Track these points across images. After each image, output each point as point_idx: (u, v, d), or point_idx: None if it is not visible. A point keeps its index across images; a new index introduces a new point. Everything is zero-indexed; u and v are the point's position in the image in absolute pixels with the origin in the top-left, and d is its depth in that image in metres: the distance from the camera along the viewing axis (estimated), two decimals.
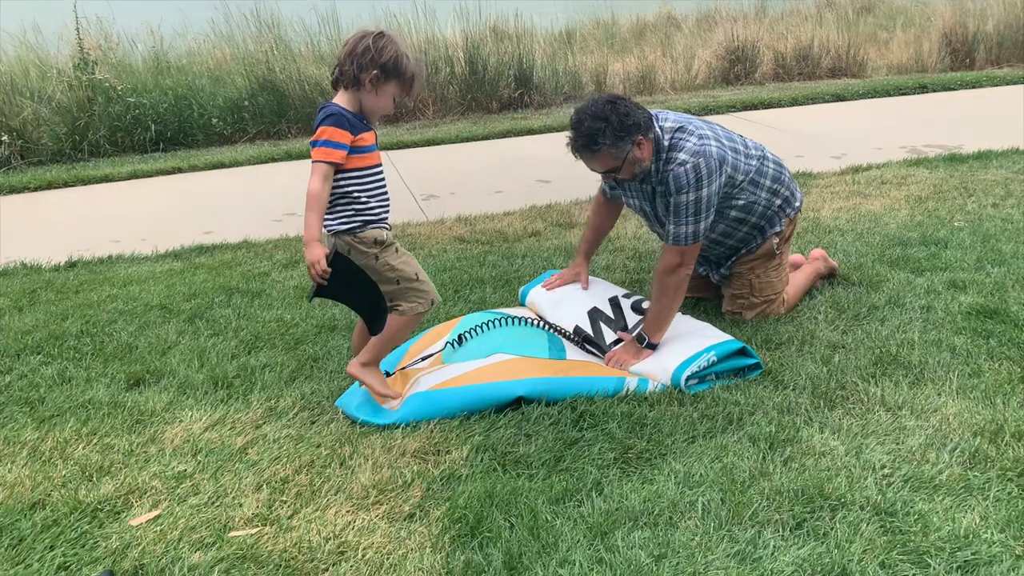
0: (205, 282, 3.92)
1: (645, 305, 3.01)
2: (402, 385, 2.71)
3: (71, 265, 4.38)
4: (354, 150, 2.41)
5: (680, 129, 2.84)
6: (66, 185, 6.33)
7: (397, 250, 2.54)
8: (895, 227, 4.08)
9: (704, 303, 3.34)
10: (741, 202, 2.97)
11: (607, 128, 2.69)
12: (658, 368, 2.69)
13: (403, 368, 2.84)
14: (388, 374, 2.77)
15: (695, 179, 2.76)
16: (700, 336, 2.78)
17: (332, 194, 2.42)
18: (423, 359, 2.87)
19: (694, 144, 2.78)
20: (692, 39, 10.17)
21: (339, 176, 2.42)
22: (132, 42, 8.65)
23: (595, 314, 3.05)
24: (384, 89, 2.43)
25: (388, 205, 2.54)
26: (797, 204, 3.15)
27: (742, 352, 2.71)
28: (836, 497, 2.01)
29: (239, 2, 8.47)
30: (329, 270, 2.36)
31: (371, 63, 2.38)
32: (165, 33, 8.79)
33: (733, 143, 2.94)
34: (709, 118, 7.81)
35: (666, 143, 2.82)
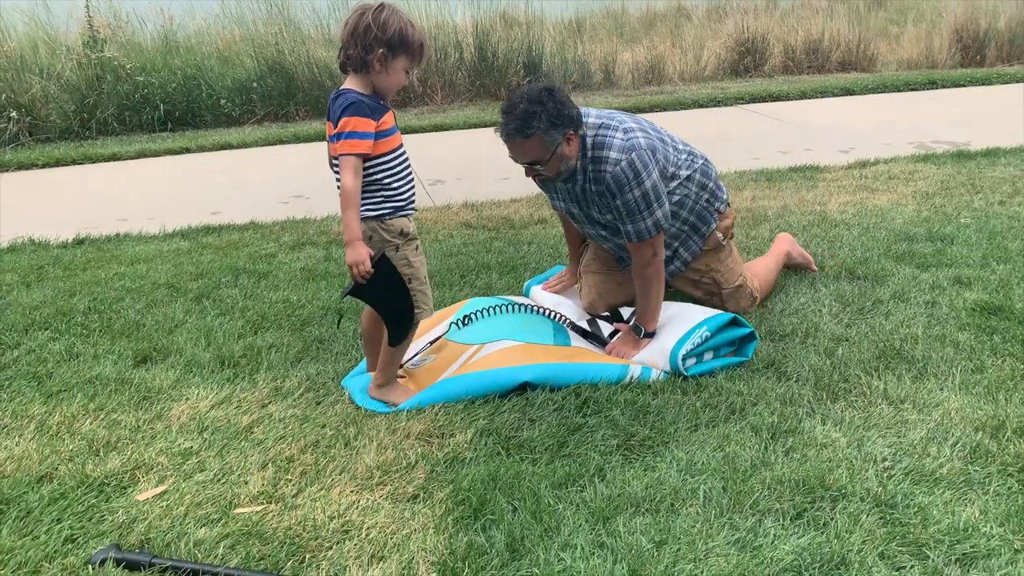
0: (212, 262, 3.94)
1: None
2: (416, 383, 2.69)
3: (79, 242, 4.40)
4: (378, 135, 2.35)
5: (603, 126, 2.74)
6: (74, 163, 6.34)
7: (417, 248, 2.50)
8: (901, 222, 4.08)
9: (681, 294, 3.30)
10: (676, 197, 2.89)
11: (543, 112, 2.58)
12: (656, 352, 2.72)
13: (408, 365, 2.80)
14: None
15: (634, 175, 2.67)
16: (692, 315, 2.81)
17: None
18: (430, 343, 2.88)
19: (621, 140, 2.70)
20: (702, 30, 10.13)
21: (366, 164, 2.35)
22: (142, 21, 8.64)
23: (591, 317, 3.11)
24: (394, 66, 2.35)
25: (414, 187, 2.49)
26: (724, 197, 3.05)
27: (734, 323, 2.73)
28: (837, 488, 2.02)
29: None
30: (372, 271, 2.32)
31: (376, 41, 2.30)
32: (175, 12, 8.78)
33: (659, 135, 2.86)
34: (718, 110, 7.79)
35: (590, 141, 2.72)
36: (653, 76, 8.99)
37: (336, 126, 2.32)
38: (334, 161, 2.38)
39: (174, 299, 3.48)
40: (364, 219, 2.40)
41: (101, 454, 2.31)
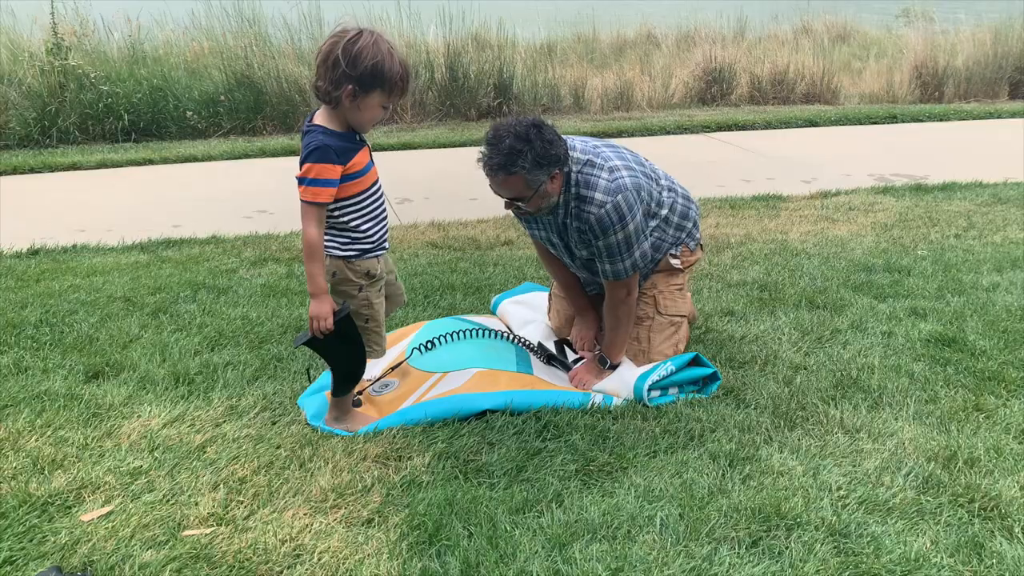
0: (171, 276, 3.87)
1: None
2: (377, 410, 2.64)
3: (33, 253, 4.30)
4: (347, 177, 2.21)
5: (588, 163, 2.65)
6: (32, 171, 6.21)
7: (381, 289, 2.43)
8: (860, 253, 4.16)
9: None
10: (653, 236, 2.84)
11: (529, 152, 2.47)
12: (619, 383, 2.73)
13: (370, 391, 2.77)
14: (359, 402, 2.66)
15: (618, 218, 2.61)
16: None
17: (327, 221, 2.27)
18: (392, 368, 2.85)
19: (606, 181, 2.61)
20: (671, 58, 10.28)
21: (333, 207, 2.24)
22: (108, 30, 8.53)
23: (562, 340, 3.10)
24: (367, 102, 2.17)
25: (386, 226, 2.39)
26: (698, 238, 2.99)
27: (696, 362, 2.75)
28: (792, 517, 2.03)
29: None
30: (332, 328, 2.27)
31: (344, 77, 2.11)
32: (143, 22, 8.67)
33: (643, 167, 2.80)
34: (684, 138, 7.86)
35: (575, 178, 2.63)
36: (622, 102, 9.09)
37: (300, 168, 2.19)
38: None
39: (130, 313, 3.41)
40: (330, 256, 2.31)
41: (46, 472, 2.24)
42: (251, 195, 5.58)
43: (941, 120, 8.45)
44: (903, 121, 8.37)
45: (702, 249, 3.09)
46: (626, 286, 2.75)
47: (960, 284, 3.65)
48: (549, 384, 2.76)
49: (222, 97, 7.66)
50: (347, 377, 2.47)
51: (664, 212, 2.85)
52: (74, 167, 6.31)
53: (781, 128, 8.07)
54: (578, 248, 2.77)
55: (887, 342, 3.08)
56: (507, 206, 2.67)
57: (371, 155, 2.32)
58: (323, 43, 2.18)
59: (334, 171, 2.17)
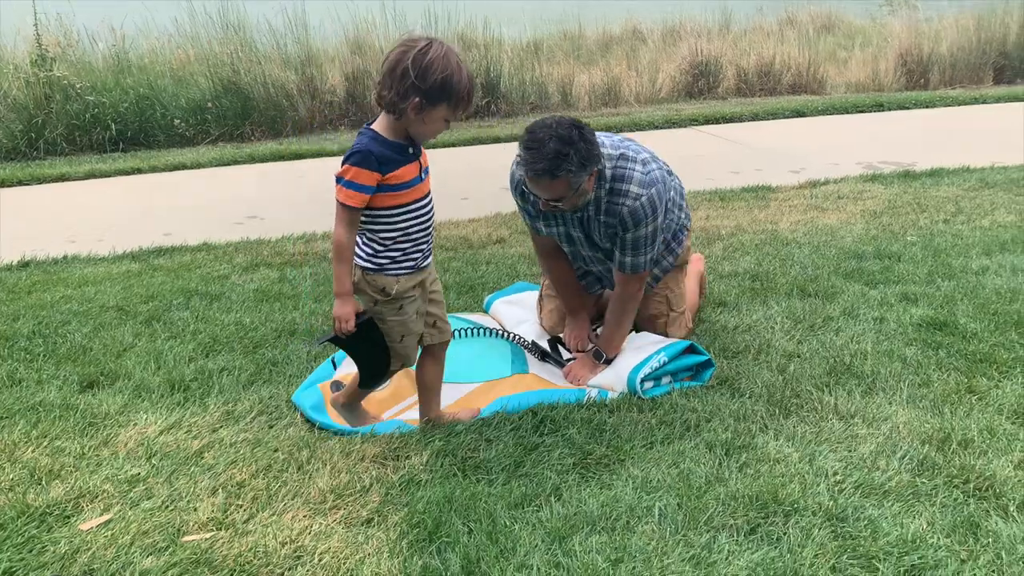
0: (163, 284, 3.86)
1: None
2: (371, 408, 2.65)
3: (24, 265, 4.28)
4: (387, 187, 2.14)
5: (622, 157, 2.70)
6: (20, 183, 6.18)
7: (401, 308, 2.30)
8: (851, 240, 4.18)
9: None
10: (671, 220, 2.95)
11: (574, 154, 2.48)
12: (613, 377, 2.74)
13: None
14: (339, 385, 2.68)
15: (652, 211, 2.68)
16: (649, 343, 2.86)
17: (360, 226, 2.23)
18: None
19: (641, 174, 2.68)
20: (657, 53, 10.30)
21: (366, 214, 2.18)
22: (93, 40, 8.50)
23: (554, 338, 3.09)
24: (432, 115, 2.12)
25: (424, 249, 2.29)
26: (689, 215, 3.11)
27: (691, 350, 2.76)
28: (789, 503, 2.04)
29: (204, 1, 8.37)
30: (354, 330, 2.24)
31: (412, 89, 2.06)
32: (127, 31, 8.64)
33: (657, 161, 2.85)
34: (672, 132, 7.88)
35: (609, 172, 2.68)
36: (610, 98, 9.11)
37: (341, 167, 2.15)
38: None
39: (123, 322, 3.40)
40: (355, 261, 2.26)
41: (43, 483, 2.23)
42: (241, 201, 5.57)
43: (927, 107, 8.49)
44: (889, 109, 8.40)
45: (689, 229, 3.14)
46: (640, 280, 2.82)
47: (950, 268, 3.68)
48: (544, 383, 2.77)
49: (209, 104, 7.65)
50: (372, 376, 2.43)
51: (673, 195, 2.94)
52: (62, 178, 6.29)
53: (768, 119, 8.10)
54: (603, 240, 2.81)
55: (879, 328, 3.10)
56: (543, 206, 2.67)
57: (423, 171, 2.23)
58: (390, 51, 2.13)
59: (371, 177, 2.12)
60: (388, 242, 2.24)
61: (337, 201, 2.14)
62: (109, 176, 6.39)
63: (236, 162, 6.74)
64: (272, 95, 7.80)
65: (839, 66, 10.32)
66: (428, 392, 2.51)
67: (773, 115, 8.19)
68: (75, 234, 4.85)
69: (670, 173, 2.96)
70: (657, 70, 9.61)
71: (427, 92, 2.07)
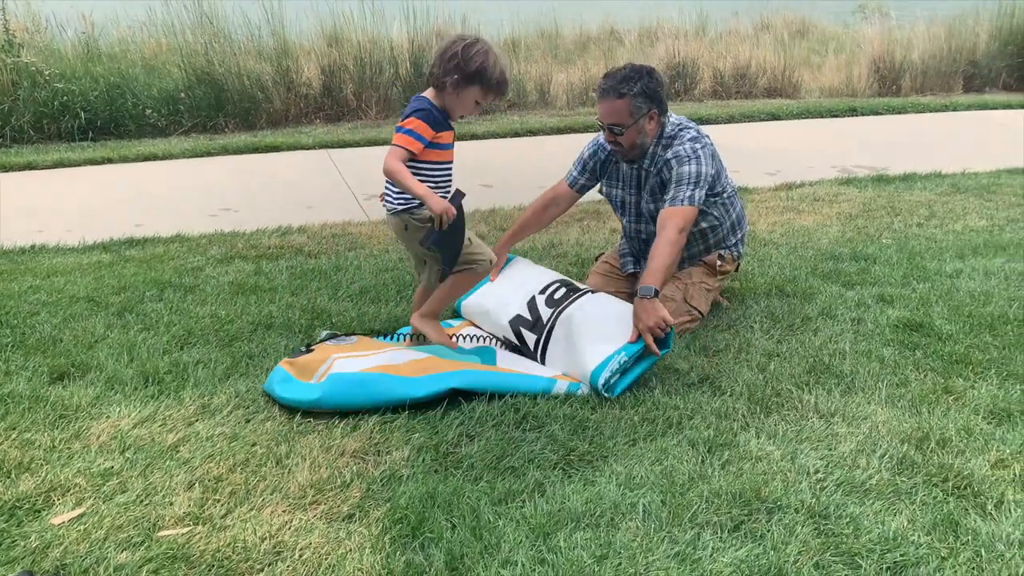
0: (135, 275, 3.78)
1: (557, 295, 2.96)
2: (318, 359, 2.72)
3: None
4: (432, 145, 2.63)
5: (682, 126, 3.12)
6: None
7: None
8: (827, 242, 4.22)
9: None
10: (713, 214, 3.18)
11: (639, 81, 2.96)
12: (579, 373, 2.71)
13: (321, 342, 2.92)
14: (309, 348, 2.85)
15: (693, 153, 3.02)
16: (613, 333, 2.73)
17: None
18: (348, 337, 2.93)
19: (693, 133, 3.10)
20: (634, 54, 10.32)
21: (411, 165, 2.61)
22: (61, 26, 8.31)
23: (516, 322, 3.01)
24: (465, 93, 2.64)
25: (446, 193, 2.72)
26: (742, 251, 3.39)
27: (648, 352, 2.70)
28: (772, 500, 2.05)
29: None
30: (455, 213, 2.57)
31: (456, 69, 2.59)
32: (97, 19, 8.47)
33: (719, 156, 3.18)
34: None
35: (668, 131, 3.09)
36: (587, 97, 9.11)
37: (402, 120, 2.62)
38: None
39: (94, 313, 3.32)
40: (396, 213, 2.74)
41: (12, 476, 2.17)
42: (214, 193, 5.48)
43: (899, 113, 8.61)
44: (863, 114, 8.51)
45: (738, 268, 3.43)
46: (683, 219, 2.95)
47: (925, 271, 3.72)
48: (511, 370, 2.73)
49: (182, 94, 7.52)
50: (457, 254, 2.73)
51: (726, 197, 3.20)
52: (29, 167, 6.14)
53: (744, 122, 8.15)
54: (647, 203, 3.20)
55: (857, 328, 3.13)
56: (607, 137, 3.10)
57: (453, 142, 2.76)
58: (445, 42, 2.69)
59: (427, 132, 2.61)
60: (428, 185, 2.65)
61: (396, 145, 2.59)
62: (78, 165, 6.26)
63: (209, 154, 6.63)
64: (247, 87, 7.69)
65: (813, 71, 10.43)
66: (439, 292, 2.87)
67: (749, 118, 8.25)
68: (43, 224, 4.74)
69: (735, 195, 3.31)
70: None
71: (466, 73, 2.60)
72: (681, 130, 3.11)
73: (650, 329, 2.66)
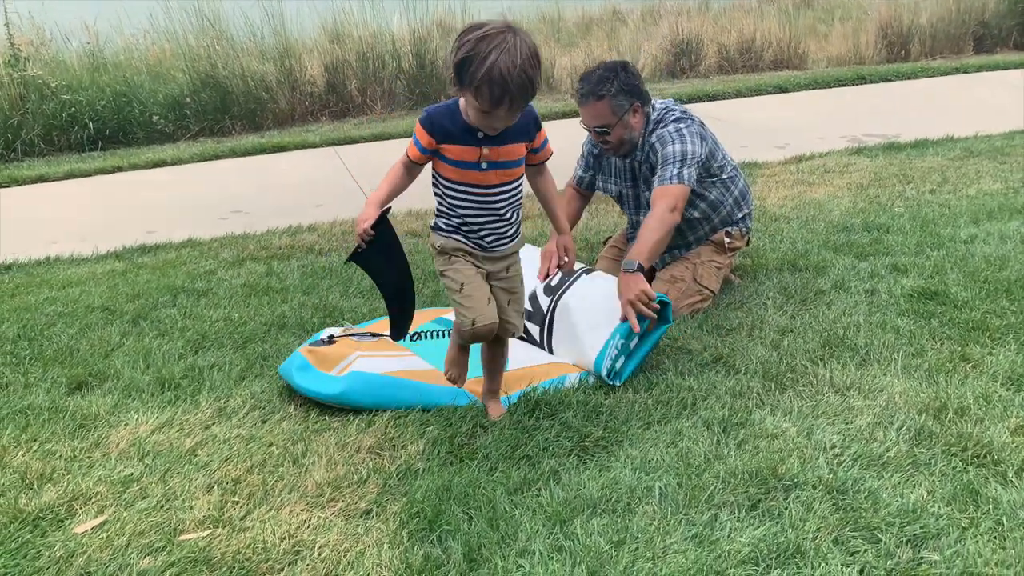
0: (149, 282, 3.81)
1: (554, 282, 2.92)
2: (340, 352, 2.68)
3: (6, 268, 4.22)
4: (442, 157, 2.18)
5: (667, 110, 3.13)
6: None
7: (450, 259, 2.28)
8: (838, 214, 4.17)
9: None
10: (711, 196, 3.17)
11: (615, 80, 2.96)
12: (584, 362, 2.70)
13: (346, 335, 2.84)
14: (332, 340, 2.75)
15: (677, 133, 3.01)
16: (604, 317, 2.71)
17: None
18: (371, 336, 2.85)
19: (678, 114, 3.10)
20: (637, 33, 10.24)
21: (436, 182, 2.26)
22: (66, 38, 8.36)
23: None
24: (468, 99, 2.05)
25: (481, 232, 2.26)
26: (750, 226, 3.37)
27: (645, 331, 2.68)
28: (789, 477, 2.04)
29: None
30: (372, 233, 2.18)
31: (451, 63, 2.01)
32: (101, 29, 8.51)
33: (713, 136, 3.19)
34: None
35: (655, 117, 3.10)
36: None
37: None
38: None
39: (109, 322, 3.35)
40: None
41: (35, 487, 2.20)
42: (224, 196, 5.51)
43: (909, 79, 8.49)
44: (872, 81, 8.40)
45: (748, 242, 3.41)
46: (673, 197, 2.91)
47: (938, 238, 3.68)
48: (530, 373, 2.70)
49: (188, 99, 7.55)
50: (400, 304, 2.35)
51: (725, 176, 3.21)
52: (41, 179, 6.20)
53: (752, 96, 8.07)
54: (645, 193, 3.16)
55: (871, 299, 3.10)
56: (595, 138, 3.11)
57: (483, 161, 2.16)
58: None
59: (423, 137, 2.16)
60: (443, 207, 2.29)
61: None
62: (89, 175, 6.31)
63: (217, 157, 6.67)
64: (251, 88, 7.71)
65: (820, 40, 10.30)
66: (485, 371, 2.49)
67: (756, 91, 8.16)
68: (56, 235, 4.79)
69: (736, 171, 3.31)
70: (638, 50, 9.55)
71: (456, 72, 2.01)
72: (666, 113, 3.11)
73: (631, 302, 2.61)
